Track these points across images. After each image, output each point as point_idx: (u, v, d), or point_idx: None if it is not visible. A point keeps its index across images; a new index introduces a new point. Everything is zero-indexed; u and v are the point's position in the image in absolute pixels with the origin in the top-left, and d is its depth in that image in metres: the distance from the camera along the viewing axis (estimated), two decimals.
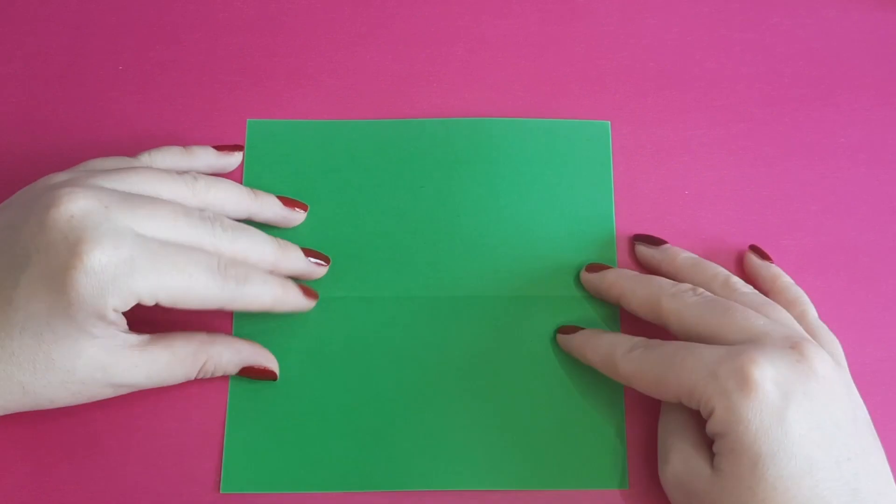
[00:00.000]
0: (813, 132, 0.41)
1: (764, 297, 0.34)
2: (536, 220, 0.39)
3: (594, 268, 0.37)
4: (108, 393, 0.32)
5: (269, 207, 0.37)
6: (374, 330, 0.37)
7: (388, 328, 0.37)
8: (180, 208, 0.32)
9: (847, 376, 0.32)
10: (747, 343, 0.30)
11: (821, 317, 0.38)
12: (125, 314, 0.31)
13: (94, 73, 0.41)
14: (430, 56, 0.42)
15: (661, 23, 0.42)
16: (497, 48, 0.42)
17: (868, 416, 0.31)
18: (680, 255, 0.37)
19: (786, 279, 0.37)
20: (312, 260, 0.36)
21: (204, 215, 0.33)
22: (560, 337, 0.37)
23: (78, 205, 0.30)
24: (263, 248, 0.34)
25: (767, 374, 0.28)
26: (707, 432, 0.30)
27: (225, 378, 0.36)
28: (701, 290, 0.34)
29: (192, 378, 0.34)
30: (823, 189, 0.40)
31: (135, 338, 0.32)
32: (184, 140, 0.39)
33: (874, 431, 0.31)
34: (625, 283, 0.35)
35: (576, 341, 0.36)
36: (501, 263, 0.38)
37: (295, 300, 0.35)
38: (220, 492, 0.35)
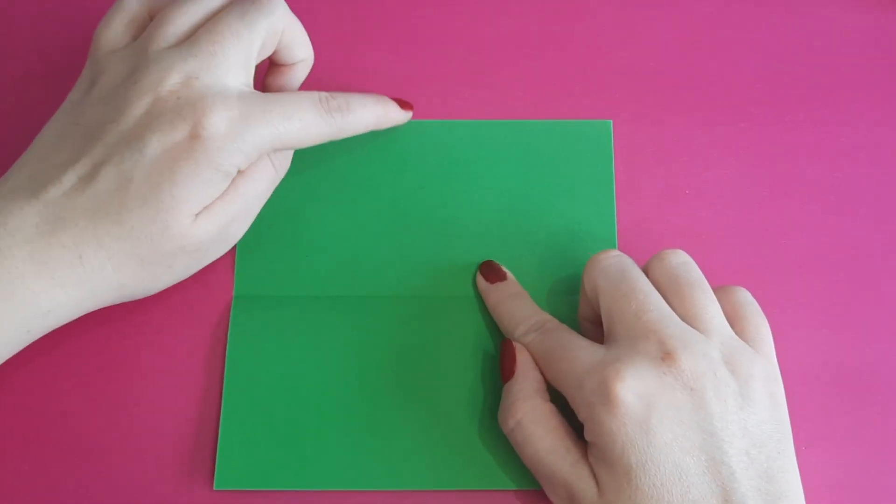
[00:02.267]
0: (813, 132, 0.41)
1: (687, 274, 0.32)
2: (537, 221, 0.39)
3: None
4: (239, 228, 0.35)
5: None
6: (372, 329, 0.37)
7: (386, 327, 0.37)
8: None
9: (743, 369, 0.30)
10: (621, 349, 0.30)
11: (821, 317, 0.38)
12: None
13: None
14: (430, 56, 0.42)
15: (661, 23, 0.43)
16: (497, 48, 0.42)
17: (783, 419, 0.30)
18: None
19: None
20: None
21: None
22: (479, 281, 0.38)
23: (174, 81, 0.32)
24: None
25: (630, 387, 0.29)
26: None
27: (220, 375, 0.36)
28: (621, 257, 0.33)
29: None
30: (823, 189, 0.40)
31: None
32: None
33: (782, 426, 0.30)
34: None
35: (491, 298, 0.37)
36: (502, 263, 0.38)
37: (396, 115, 0.38)
38: (214, 488, 0.34)
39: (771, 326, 0.37)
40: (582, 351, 0.31)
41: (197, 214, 0.32)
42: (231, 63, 0.33)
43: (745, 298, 0.33)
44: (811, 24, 0.43)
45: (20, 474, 0.35)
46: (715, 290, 0.33)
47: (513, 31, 0.42)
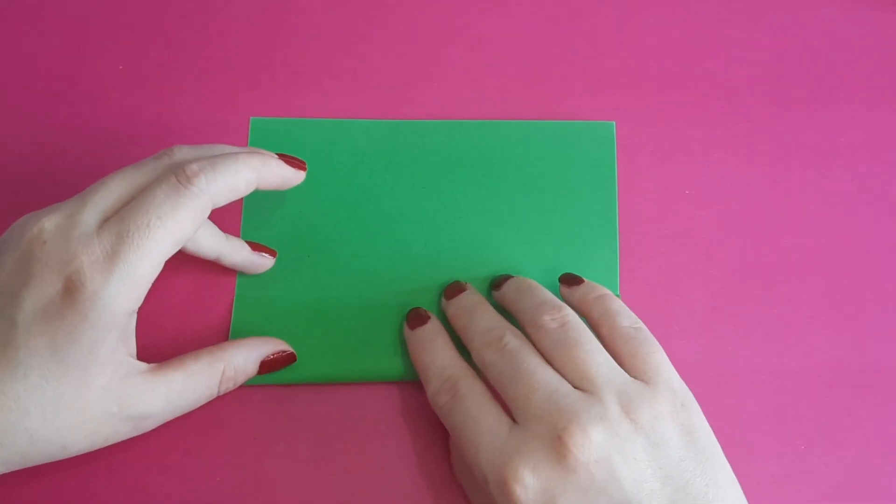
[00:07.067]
0: (813, 132, 0.41)
1: (565, 335, 0.31)
2: (539, 222, 0.39)
3: (451, 292, 0.36)
4: (126, 430, 0.30)
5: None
6: (373, 330, 0.37)
7: (387, 328, 0.37)
8: (129, 167, 0.31)
9: (654, 405, 0.29)
10: (519, 437, 0.29)
11: (820, 317, 0.38)
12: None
13: (94, 73, 0.41)
14: (430, 56, 0.42)
15: (662, 23, 0.42)
16: (497, 48, 0.42)
17: (703, 445, 0.29)
18: (521, 283, 0.35)
19: (591, 296, 0.34)
20: (257, 253, 0.36)
21: (154, 158, 0.31)
22: (406, 328, 0.36)
23: (42, 224, 0.29)
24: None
25: (529, 486, 0.27)
26: None
27: None
28: (507, 339, 0.32)
29: (215, 393, 0.33)
30: (823, 189, 0.40)
31: (144, 365, 0.31)
32: (184, 138, 0.39)
33: (705, 452, 0.29)
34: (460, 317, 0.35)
35: (409, 342, 0.35)
36: (503, 265, 0.38)
37: (280, 171, 0.33)
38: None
39: (771, 326, 0.37)
40: (486, 436, 0.29)
41: (103, 388, 0.29)
42: (115, 198, 0.30)
43: (628, 332, 0.32)
44: (811, 24, 0.43)
45: (24, 477, 0.34)
46: (596, 322, 0.33)
47: (513, 31, 0.42)
